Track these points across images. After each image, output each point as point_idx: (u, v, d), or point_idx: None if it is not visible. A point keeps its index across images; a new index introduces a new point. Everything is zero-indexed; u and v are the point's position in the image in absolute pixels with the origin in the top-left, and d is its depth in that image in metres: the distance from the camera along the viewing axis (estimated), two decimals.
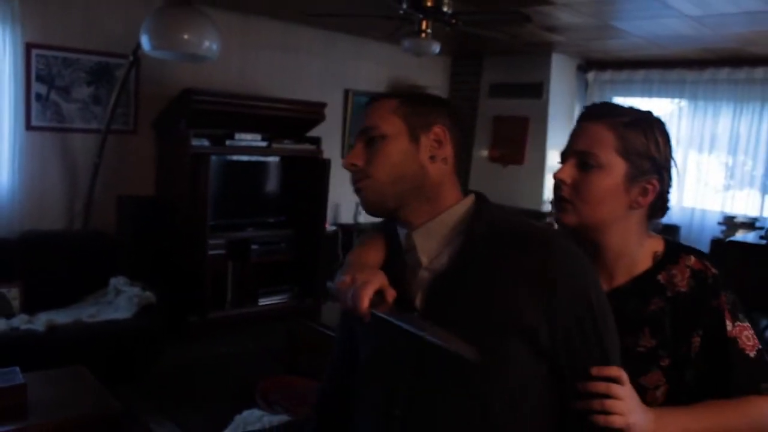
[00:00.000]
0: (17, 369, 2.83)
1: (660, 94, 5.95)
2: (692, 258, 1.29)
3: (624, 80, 6.13)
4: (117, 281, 4.08)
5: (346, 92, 6.16)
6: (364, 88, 6.22)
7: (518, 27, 4.62)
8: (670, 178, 1.31)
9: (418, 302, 1.12)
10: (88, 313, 3.82)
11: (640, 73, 5.98)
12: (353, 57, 6.11)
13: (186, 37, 3.41)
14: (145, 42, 3.44)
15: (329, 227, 5.82)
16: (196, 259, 4.74)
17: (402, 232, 1.18)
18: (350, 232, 5.97)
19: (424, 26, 3.82)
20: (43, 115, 4.37)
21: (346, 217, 6.17)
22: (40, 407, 2.74)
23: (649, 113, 1.31)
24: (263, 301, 5.33)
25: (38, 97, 4.32)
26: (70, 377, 3.09)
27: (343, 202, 6.05)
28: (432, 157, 1.14)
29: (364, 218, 5.72)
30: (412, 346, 1.07)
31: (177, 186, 4.76)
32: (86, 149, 4.52)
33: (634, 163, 1.25)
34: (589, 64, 6.34)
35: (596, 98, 6.21)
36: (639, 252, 1.31)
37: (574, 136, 1.31)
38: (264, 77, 5.47)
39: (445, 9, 3.69)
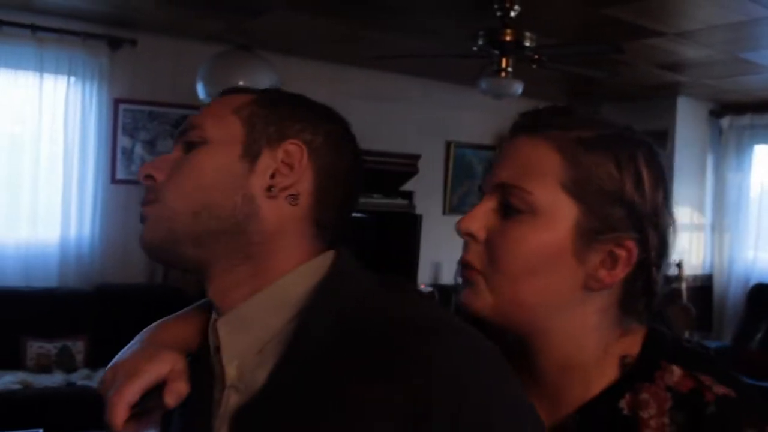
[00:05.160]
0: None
1: None
2: (676, 371, 0.70)
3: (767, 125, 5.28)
4: None
5: (448, 144, 5.81)
6: (468, 139, 5.85)
7: (623, 65, 4.07)
8: (663, 242, 0.74)
9: None
10: None
11: None
12: (455, 107, 5.75)
13: (241, 84, 3.24)
14: (200, 90, 3.32)
15: (425, 288, 5.42)
16: None
17: (214, 316, 0.74)
18: (449, 294, 5.53)
19: (503, 64, 3.40)
20: (127, 169, 4.39)
21: (447, 278, 5.73)
22: None
23: (629, 129, 0.76)
24: None
25: (124, 150, 4.37)
26: None
27: (445, 262, 5.64)
28: (270, 188, 0.70)
29: None
30: None
31: None
32: None
33: (592, 207, 0.72)
34: (724, 108, 5.55)
35: (733, 147, 5.42)
36: (602, 361, 0.74)
37: (497, 160, 0.79)
38: (355, 128, 5.24)
39: (527, 44, 3.27)
